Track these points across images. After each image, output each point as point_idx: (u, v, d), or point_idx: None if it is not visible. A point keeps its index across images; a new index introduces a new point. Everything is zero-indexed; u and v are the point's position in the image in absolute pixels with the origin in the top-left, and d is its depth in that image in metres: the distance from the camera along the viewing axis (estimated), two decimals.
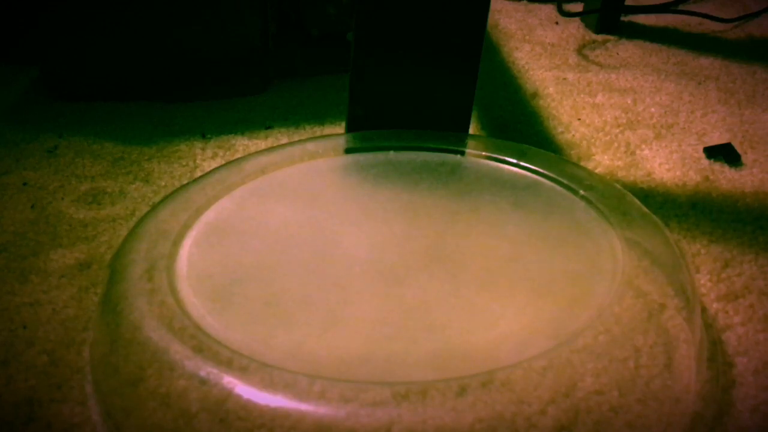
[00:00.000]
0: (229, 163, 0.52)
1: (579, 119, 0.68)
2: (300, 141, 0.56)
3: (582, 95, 0.73)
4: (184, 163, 0.61)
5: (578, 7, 0.96)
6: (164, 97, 0.72)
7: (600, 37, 0.89)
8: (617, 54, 0.84)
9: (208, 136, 0.65)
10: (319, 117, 0.69)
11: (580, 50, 0.85)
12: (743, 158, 0.61)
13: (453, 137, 0.53)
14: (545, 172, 0.49)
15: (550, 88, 0.75)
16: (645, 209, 0.45)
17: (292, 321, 0.37)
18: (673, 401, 0.34)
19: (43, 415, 0.37)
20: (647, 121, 0.68)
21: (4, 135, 0.66)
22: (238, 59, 0.73)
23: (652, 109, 0.70)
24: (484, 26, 0.53)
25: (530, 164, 0.50)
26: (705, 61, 0.82)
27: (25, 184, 0.58)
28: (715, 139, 0.64)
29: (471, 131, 0.58)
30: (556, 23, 0.94)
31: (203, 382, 0.33)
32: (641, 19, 0.95)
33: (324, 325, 0.37)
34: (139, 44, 0.70)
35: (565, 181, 0.48)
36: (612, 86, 0.75)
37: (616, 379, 0.33)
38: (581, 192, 0.46)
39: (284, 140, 0.64)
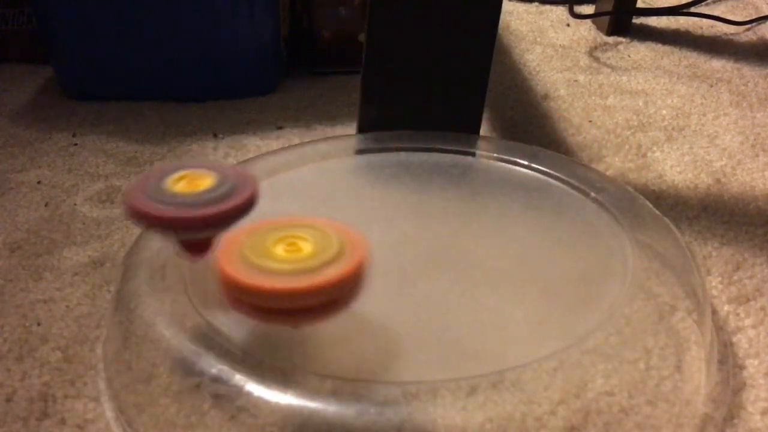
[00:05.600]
0: (240, 163, 0.52)
1: (590, 121, 0.68)
2: (311, 141, 0.56)
3: (593, 97, 0.73)
4: None
5: (590, 9, 0.95)
6: (177, 97, 0.73)
7: (611, 39, 0.89)
8: (628, 56, 0.84)
9: (220, 136, 0.66)
10: (331, 118, 0.70)
11: (591, 52, 0.85)
12: (755, 161, 0.61)
13: (464, 139, 0.53)
14: (556, 173, 0.49)
15: (561, 90, 0.75)
16: (656, 211, 0.45)
17: None
18: (683, 403, 0.34)
19: (57, 411, 0.38)
20: (658, 123, 0.68)
21: (19, 134, 0.67)
22: (250, 60, 0.73)
23: (664, 112, 0.70)
24: (496, 28, 0.53)
25: (541, 166, 0.50)
26: (717, 64, 0.82)
27: (39, 182, 0.58)
28: (727, 141, 0.64)
29: (482, 133, 0.59)
30: (568, 25, 0.94)
31: (215, 379, 0.33)
32: (653, 21, 0.94)
33: (335, 324, 0.37)
34: (152, 44, 0.71)
35: (576, 183, 0.48)
36: (623, 88, 0.75)
37: (626, 380, 0.33)
38: (592, 194, 0.46)
39: (296, 141, 0.64)
